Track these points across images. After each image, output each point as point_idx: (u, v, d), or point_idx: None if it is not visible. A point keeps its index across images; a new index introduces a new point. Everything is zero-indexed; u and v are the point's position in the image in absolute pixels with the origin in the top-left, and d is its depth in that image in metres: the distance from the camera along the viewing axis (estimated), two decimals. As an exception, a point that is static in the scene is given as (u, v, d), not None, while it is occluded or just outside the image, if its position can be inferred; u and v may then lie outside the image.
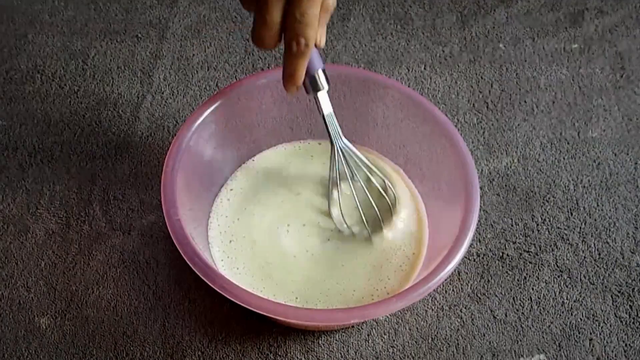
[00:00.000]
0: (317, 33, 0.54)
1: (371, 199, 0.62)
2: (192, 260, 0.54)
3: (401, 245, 0.63)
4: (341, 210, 0.63)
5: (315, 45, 0.56)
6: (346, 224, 0.63)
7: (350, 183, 0.62)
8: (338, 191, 0.63)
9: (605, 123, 0.75)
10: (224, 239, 0.63)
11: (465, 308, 0.63)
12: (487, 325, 0.62)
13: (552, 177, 0.71)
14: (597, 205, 0.69)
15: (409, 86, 0.76)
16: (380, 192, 0.64)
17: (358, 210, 0.63)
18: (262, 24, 0.52)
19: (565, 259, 0.66)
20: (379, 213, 0.63)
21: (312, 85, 0.58)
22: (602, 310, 0.63)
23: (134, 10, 0.83)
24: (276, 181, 0.67)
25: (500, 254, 0.66)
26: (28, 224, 0.66)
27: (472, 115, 0.75)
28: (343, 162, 0.61)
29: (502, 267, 0.65)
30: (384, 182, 0.64)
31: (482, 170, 0.71)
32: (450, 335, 0.62)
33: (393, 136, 0.67)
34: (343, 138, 0.61)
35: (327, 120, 0.60)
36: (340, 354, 0.60)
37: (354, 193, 0.62)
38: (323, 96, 0.59)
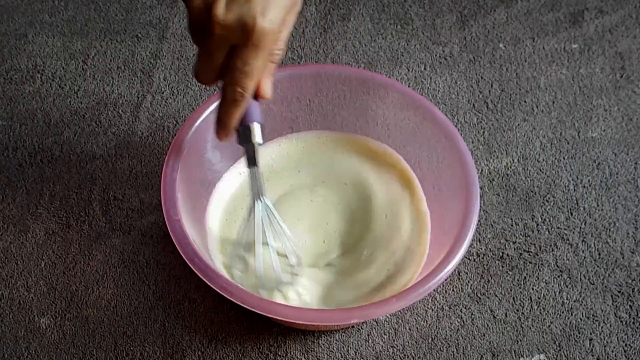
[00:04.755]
0: (256, 84, 0.51)
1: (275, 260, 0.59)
2: (192, 260, 0.54)
3: (401, 245, 0.63)
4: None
5: (259, 97, 0.53)
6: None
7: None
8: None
9: (605, 123, 0.75)
10: (223, 239, 0.63)
11: (465, 308, 0.63)
12: (487, 325, 0.62)
13: (552, 177, 0.71)
14: (597, 205, 0.69)
15: (409, 86, 0.76)
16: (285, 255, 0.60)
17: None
18: (203, 61, 0.50)
19: (565, 259, 0.66)
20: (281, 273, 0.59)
21: (244, 136, 0.54)
22: (602, 310, 0.63)
23: (134, 10, 0.83)
24: (277, 179, 0.67)
25: (500, 254, 0.66)
26: (28, 224, 0.66)
27: (472, 115, 0.75)
28: (261, 220, 0.57)
29: (502, 267, 0.65)
30: (292, 247, 0.60)
31: (482, 170, 0.71)
32: (450, 335, 0.62)
33: (393, 136, 0.67)
34: (265, 198, 0.57)
35: (251, 174, 0.56)
36: (340, 354, 0.60)
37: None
38: (254, 150, 0.55)
